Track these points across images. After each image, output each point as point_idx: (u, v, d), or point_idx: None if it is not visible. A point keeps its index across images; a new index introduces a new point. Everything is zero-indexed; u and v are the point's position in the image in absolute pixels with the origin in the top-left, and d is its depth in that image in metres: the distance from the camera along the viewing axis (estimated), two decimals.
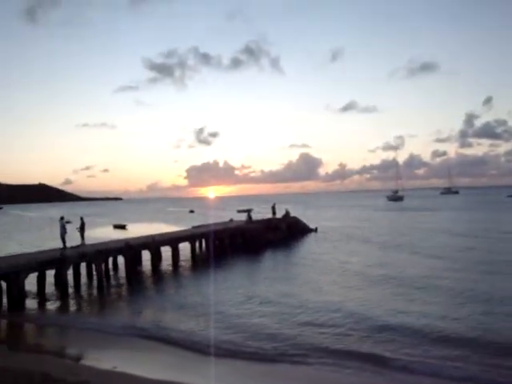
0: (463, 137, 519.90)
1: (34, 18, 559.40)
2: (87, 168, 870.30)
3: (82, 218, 28.47)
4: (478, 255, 29.23)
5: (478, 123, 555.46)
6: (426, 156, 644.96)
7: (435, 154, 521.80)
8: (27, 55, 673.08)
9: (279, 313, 16.84)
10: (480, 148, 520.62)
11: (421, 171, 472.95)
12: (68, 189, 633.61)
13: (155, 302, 19.95)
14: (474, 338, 13.19)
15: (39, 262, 21.54)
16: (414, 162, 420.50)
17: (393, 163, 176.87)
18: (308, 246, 38.99)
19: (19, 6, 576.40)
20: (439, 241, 37.52)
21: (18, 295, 19.64)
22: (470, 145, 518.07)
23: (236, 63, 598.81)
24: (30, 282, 21.49)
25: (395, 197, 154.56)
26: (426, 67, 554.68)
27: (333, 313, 16.41)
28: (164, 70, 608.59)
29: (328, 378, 11.04)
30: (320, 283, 22.20)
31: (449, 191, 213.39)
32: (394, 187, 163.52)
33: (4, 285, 20.04)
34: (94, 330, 15.88)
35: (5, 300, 19.85)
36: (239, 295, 20.09)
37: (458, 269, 24.57)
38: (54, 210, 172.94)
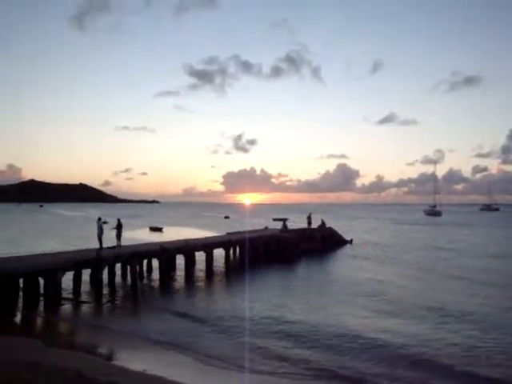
0: (506, 152, 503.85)
1: (82, 24, 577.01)
2: (126, 170, 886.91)
3: (118, 220, 28.79)
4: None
5: None
6: (467, 171, 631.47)
7: (476, 169, 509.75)
8: (73, 60, 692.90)
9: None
10: None
11: (460, 186, 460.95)
12: (107, 190, 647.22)
13: (187, 309, 19.77)
14: None
15: (76, 261, 21.87)
16: (453, 176, 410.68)
17: (431, 177, 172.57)
18: (342, 259, 38.38)
19: (68, 13, 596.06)
20: (478, 263, 36.24)
21: (54, 292, 19.97)
22: None
23: (276, 71, 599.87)
24: (67, 279, 21.87)
25: (433, 211, 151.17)
26: (470, 81, 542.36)
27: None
28: (204, 76, 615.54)
29: None
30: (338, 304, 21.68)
31: (488, 208, 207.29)
32: (432, 202, 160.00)
33: (41, 282, 20.46)
34: (126, 332, 15.92)
35: (42, 297, 20.29)
36: (271, 308, 19.76)
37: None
38: (93, 210, 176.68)
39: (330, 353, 13.49)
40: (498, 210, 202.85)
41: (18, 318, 18.38)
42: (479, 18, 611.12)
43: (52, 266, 20.21)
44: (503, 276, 28.12)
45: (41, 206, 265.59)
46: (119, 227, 28.28)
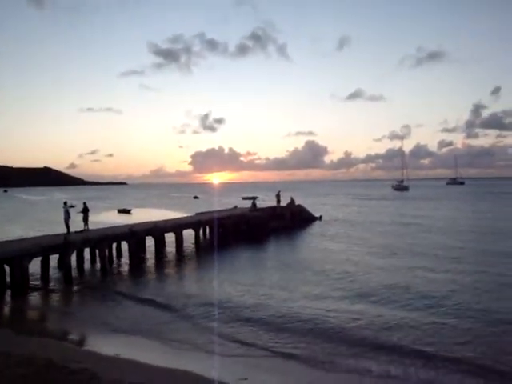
0: (470, 127, 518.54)
1: (42, 2, 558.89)
2: (92, 152, 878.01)
3: (84, 203, 28.30)
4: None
5: (485, 114, 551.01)
6: (433, 146, 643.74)
7: (442, 144, 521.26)
8: (33, 39, 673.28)
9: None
10: (487, 139, 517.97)
11: (427, 161, 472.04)
12: (73, 173, 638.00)
13: (156, 294, 19.66)
14: None
15: (43, 247, 21.50)
16: (420, 151, 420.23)
17: (398, 152, 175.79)
18: (311, 235, 38.82)
19: None
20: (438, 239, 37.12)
21: (21, 279, 19.60)
22: (476, 135, 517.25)
23: (242, 50, 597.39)
24: (35, 265, 21.54)
25: (400, 186, 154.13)
26: (434, 56, 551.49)
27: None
28: (170, 55, 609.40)
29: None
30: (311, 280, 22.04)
31: (454, 182, 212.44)
32: (400, 177, 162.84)
33: (7, 269, 20.06)
34: (95, 318, 15.79)
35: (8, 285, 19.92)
36: (240, 285, 19.94)
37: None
38: (59, 194, 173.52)
39: (290, 334, 13.51)
40: (463, 183, 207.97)
41: None
42: None
43: (18, 253, 19.81)
44: (470, 251, 28.68)
45: (5, 191, 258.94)
46: (85, 211, 27.85)
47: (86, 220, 27.69)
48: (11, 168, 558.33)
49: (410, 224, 44.38)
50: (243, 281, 20.73)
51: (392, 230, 39.91)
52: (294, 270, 23.42)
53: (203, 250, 31.84)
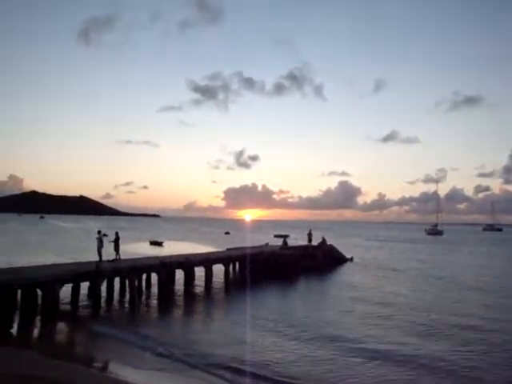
0: (508, 172, 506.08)
1: (88, 39, 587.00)
2: (127, 184, 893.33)
3: (116, 233, 28.65)
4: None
5: None
6: (469, 190, 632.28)
7: (478, 188, 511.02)
8: (79, 74, 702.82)
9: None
10: None
11: (462, 206, 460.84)
12: (108, 203, 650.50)
13: (184, 324, 19.49)
14: None
15: (75, 274, 21.76)
16: (455, 196, 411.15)
17: (433, 196, 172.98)
18: (342, 276, 38.11)
19: (76, 27, 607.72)
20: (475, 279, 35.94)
21: (52, 304, 19.81)
22: None
23: (279, 89, 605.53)
24: (66, 291, 21.73)
25: (434, 230, 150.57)
26: (471, 100, 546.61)
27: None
28: (208, 92, 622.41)
29: None
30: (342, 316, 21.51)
31: (491, 228, 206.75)
32: (434, 221, 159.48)
33: (40, 293, 20.30)
34: (123, 341, 15.73)
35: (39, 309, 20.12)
36: (270, 323, 19.59)
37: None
38: (93, 223, 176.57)
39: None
40: (501, 230, 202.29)
41: (15, 330, 18.14)
42: (479, 38, 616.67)
43: (50, 278, 20.08)
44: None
45: (41, 217, 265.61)
46: (117, 240, 28.15)
47: (117, 249, 27.95)
48: (48, 195, 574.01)
49: (442, 275, 43.14)
50: (270, 318, 20.37)
51: (421, 275, 38.77)
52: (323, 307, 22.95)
53: (232, 285, 31.63)
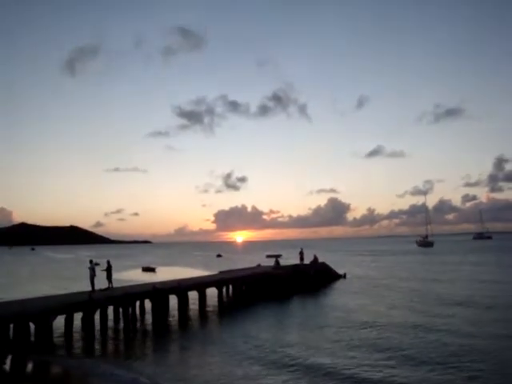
0: (493, 181, 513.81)
1: (73, 69, 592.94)
2: (118, 211, 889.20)
3: (108, 262, 28.62)
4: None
5: (508, 167, 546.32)
6: (456, 200, 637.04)
7: (465, 198, 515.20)
8: (64, 104, 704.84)
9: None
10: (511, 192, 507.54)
11: (451, 216, 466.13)
12: (99, 231, 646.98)
13: (181, 353, 19.48)
14: None
15: (68, 305, 21.76)
16: (443, 206, 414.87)
17: (422, 208, 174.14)
18: (335, 294, 38.20)
19: (60, 59, 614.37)
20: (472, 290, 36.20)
21: (45, 337, 19.77)
22: (501, 189, 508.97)
23: (264, 110, 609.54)
24: (58, 322, 21.66)
25: (425, 242, 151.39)
26: (452, 112, 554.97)
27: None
28: (193, 117, 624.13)
29: None
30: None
31: (481, 236, 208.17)
32: (424, 232, 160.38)
33: (32, 326, 20.20)
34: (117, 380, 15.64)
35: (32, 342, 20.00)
36: (265, 351, 19.56)
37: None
38: (85, 252, 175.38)
39: None
40: (490, 238, 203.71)
41: (7, 366, 18.00)
42: (458, 51, 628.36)
43: (43, 310, 20.07)
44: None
45: (32, 249, 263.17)
46: (109, 269, 28.13)
47: (109, 278, 27.91)
48: (39, 227, 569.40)
49: (435, 281, 43.41)
50: (266, 345, 20.43)
51: (416, 288, 38.98)
52: (318, 328, 23.01)
53: (226, 308, 31.62)
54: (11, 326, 20.26)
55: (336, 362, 16.31)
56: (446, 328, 21.86)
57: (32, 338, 20.20)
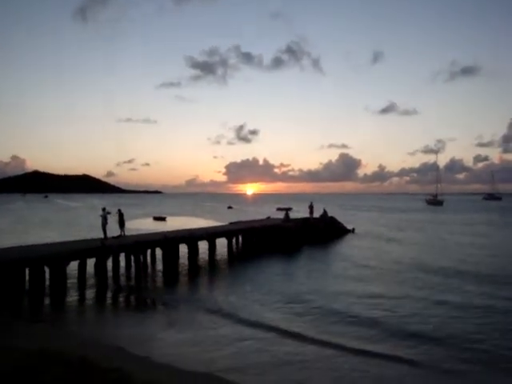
0: (506, 142, 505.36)
1: (85, 17, 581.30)
2: (129, 161, 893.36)
3: (119, 210, 28.96)
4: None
5: None
6: (468, 160, 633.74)
7: (477, 158, 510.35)
8: (76, 53, 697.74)
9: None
10: None
11: (462, 176, 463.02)
12: (110, 181, 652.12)
13: (189, 299, 20.13)
14: None
15: (81, 251, 22.27)
16: (455, 166, 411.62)
17: (433, 167, 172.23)
18: (343, 247, 38.68)
19: (71, 5, 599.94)
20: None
21: (59, 281, 20.38)
22: None
23: (277, 63, 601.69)
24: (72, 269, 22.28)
25: (434, 201, 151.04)
26: (468, 70, 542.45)
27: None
28: (206, 67, 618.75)
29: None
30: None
31: (491, 197, 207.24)
32: (434, 191, 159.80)
33: (47, 270, 20.79)
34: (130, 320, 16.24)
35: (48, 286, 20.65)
36: (274, 295, 20.16)
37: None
38: (97, 201, 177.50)
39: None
40: (500, 199, 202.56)
41: (25, 306, 18.66)
42: (475, 10, 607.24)
43: (57, 255, 20.60)
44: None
45: (45, 196, 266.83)
46: (121, 216, 28.46)
47: (122, 225, 28.32)
48: (51, 175, 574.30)
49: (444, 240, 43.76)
50: (273, 290, 20.94)
51: (423, 245, 39.36)
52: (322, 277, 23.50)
53: (236, 258, 32.22)
54: (27, 269, 20.88)
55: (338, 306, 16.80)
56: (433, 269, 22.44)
57: (47, 283, 20.83)
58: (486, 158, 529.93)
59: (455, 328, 14.79)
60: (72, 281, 22.02)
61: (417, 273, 25.24)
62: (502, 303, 18.20)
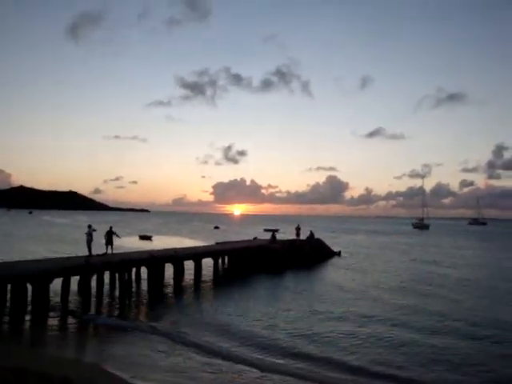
0: (492, 168, 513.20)
1: (77, 36, 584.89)
2: (117, 179, 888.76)
3: (110, 228, 28.88)
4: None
5: (507, 155, 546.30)
6: (454, 185, 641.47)
7: (463, 183, 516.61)
8: (67, 70, 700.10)
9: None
10: (509, 180, 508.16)
11: (448, 200, 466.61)
12: (97, 198, 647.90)
13: (173, 315, 20.00)
14: None
15: (65, 268, 22.03)
16: (441, 190, 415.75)
17: (419, 191, 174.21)
18: (329, 270, 38.66)
19: (64, 24, 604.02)
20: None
21: (42, 298, 20.10)
22: (498, 176, 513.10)
23: (266, 85, 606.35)
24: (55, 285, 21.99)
25: (421, 225, 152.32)
26: (454, 97, 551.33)
27: None
28: (196, 88, 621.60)
29: None
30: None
31: (476, 222, 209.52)
32: (420, 215, 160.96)
33: (29, 288, 20.49)
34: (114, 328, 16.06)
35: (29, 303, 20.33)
36: (257, 314, 20.09)
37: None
38: (83, 218, 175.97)
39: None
40: (485, 224, 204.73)
41: (5, 324, 18.34)
42: (462, 36, 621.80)
43: (41, 272, 20.35)
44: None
45: (30, 212, 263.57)
46: (109, 234, 28.28)
47: (109, 243, 28.12)
48: (38, 190, 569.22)
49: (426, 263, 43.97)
50: (257, 312, 20.86)
51: (408, 268, 39.49)
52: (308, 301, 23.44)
53: (221, 279, 32.05)
54: (8, 286, 20.58)
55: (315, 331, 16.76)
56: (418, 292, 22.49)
57: (29, 299, 20.51)
58: (471, 184, 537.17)
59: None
60: (55, 299, 21.75)
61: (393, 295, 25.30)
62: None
